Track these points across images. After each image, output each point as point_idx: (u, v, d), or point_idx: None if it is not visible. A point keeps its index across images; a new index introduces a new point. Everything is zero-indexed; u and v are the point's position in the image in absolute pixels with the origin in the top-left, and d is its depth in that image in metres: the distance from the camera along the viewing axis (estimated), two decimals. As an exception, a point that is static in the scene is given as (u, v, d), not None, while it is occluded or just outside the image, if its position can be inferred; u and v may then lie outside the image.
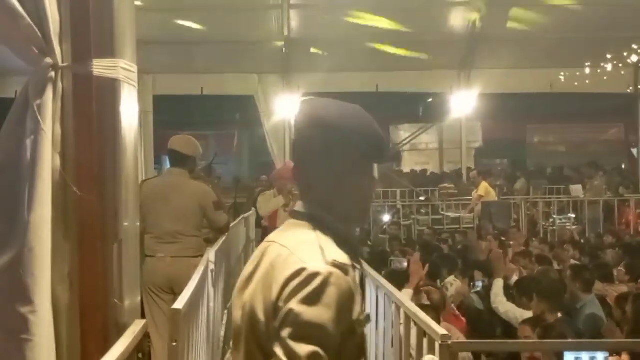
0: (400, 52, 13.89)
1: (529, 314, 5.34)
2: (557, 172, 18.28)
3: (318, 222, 1.79)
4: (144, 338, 2.66)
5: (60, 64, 2.53)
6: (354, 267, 1.76)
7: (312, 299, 1.62)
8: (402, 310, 3.54)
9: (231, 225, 6.32)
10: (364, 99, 14.49)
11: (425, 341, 3.08)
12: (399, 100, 19.12)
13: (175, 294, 4.81)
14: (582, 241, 10.83)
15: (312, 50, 13.56)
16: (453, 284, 6.69)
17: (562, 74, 14.59)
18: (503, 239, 10.11)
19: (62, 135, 2.55)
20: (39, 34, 2.47)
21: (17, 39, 2.50)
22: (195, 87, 14.18)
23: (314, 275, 1.64)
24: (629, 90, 15.33)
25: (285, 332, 1.61)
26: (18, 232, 2.44)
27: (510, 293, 6.11)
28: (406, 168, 19.29)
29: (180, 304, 2.83)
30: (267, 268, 1.74)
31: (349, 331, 1.70)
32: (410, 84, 15.11)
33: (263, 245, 1.84)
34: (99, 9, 2.61)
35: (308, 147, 1.82)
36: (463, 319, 5.85)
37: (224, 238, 5.78)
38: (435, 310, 4.86)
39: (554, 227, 12.88)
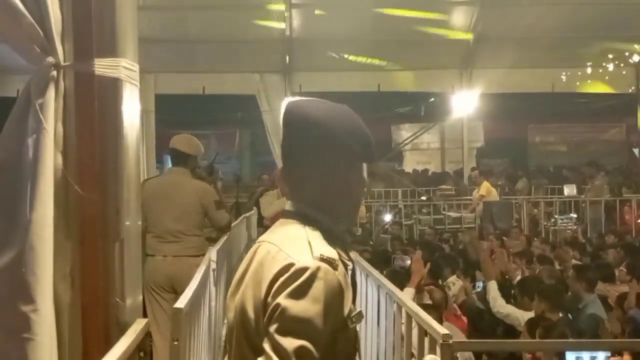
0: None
1: (530, 315, 5.33)
2: (558, 172, 18.28)
3: (307, 218, 1.79)
4: (146, 337, 2.66)
5: (62, 62, 2.53)
6: (345, 264, 1.75)
7: (299, 293, 1.62)
8: (403, 310, 3.54)
9: (233, 224, 6.32)
10: (365, 98, 14.60)
11: (426, 341, 3.08)
12: (401, 100, 19.17)
13: (176, 293, 4.82)
14: (584, 241, 10.83)
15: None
16: (455, 283, 6.69)
17: (563, 73, 14.60)
18: (504, 238, 10.12)
19: (64, 134, 2.55)
20: (41, 32, 2.47)
21: (19, 37, 2.50)
22: (197, 86, 14.16)
23: (302, 270, 1.63)
24: (630, 90, 15.34)
25: (273, 327, 1.61)
26: (20, 231, 2.44)
27: (512, 293, 6.11)
28: (408, 168, 19.30)
29: (181, 303, 2.83)
30: (256, 267, 1.74)
31: (341, 327, 1.69)
32: (411, 83, 15.12)
33: (255, 245, 1.84)
34: (101, 8, 2.61)
35: (295, 147, 1.82)
36: (464, 318, 5.85)
37: (225, 237, 5.78)
38: (437, 309, 4.86)
39: (556, 227, 12.87)
